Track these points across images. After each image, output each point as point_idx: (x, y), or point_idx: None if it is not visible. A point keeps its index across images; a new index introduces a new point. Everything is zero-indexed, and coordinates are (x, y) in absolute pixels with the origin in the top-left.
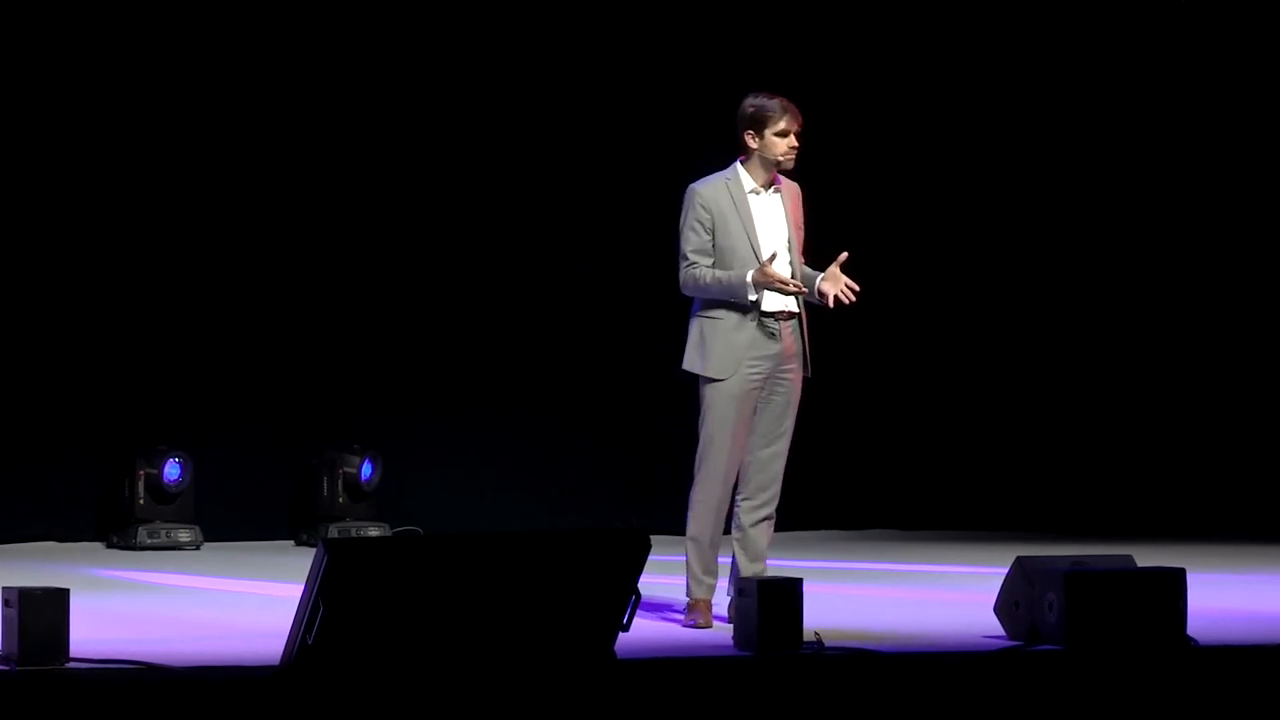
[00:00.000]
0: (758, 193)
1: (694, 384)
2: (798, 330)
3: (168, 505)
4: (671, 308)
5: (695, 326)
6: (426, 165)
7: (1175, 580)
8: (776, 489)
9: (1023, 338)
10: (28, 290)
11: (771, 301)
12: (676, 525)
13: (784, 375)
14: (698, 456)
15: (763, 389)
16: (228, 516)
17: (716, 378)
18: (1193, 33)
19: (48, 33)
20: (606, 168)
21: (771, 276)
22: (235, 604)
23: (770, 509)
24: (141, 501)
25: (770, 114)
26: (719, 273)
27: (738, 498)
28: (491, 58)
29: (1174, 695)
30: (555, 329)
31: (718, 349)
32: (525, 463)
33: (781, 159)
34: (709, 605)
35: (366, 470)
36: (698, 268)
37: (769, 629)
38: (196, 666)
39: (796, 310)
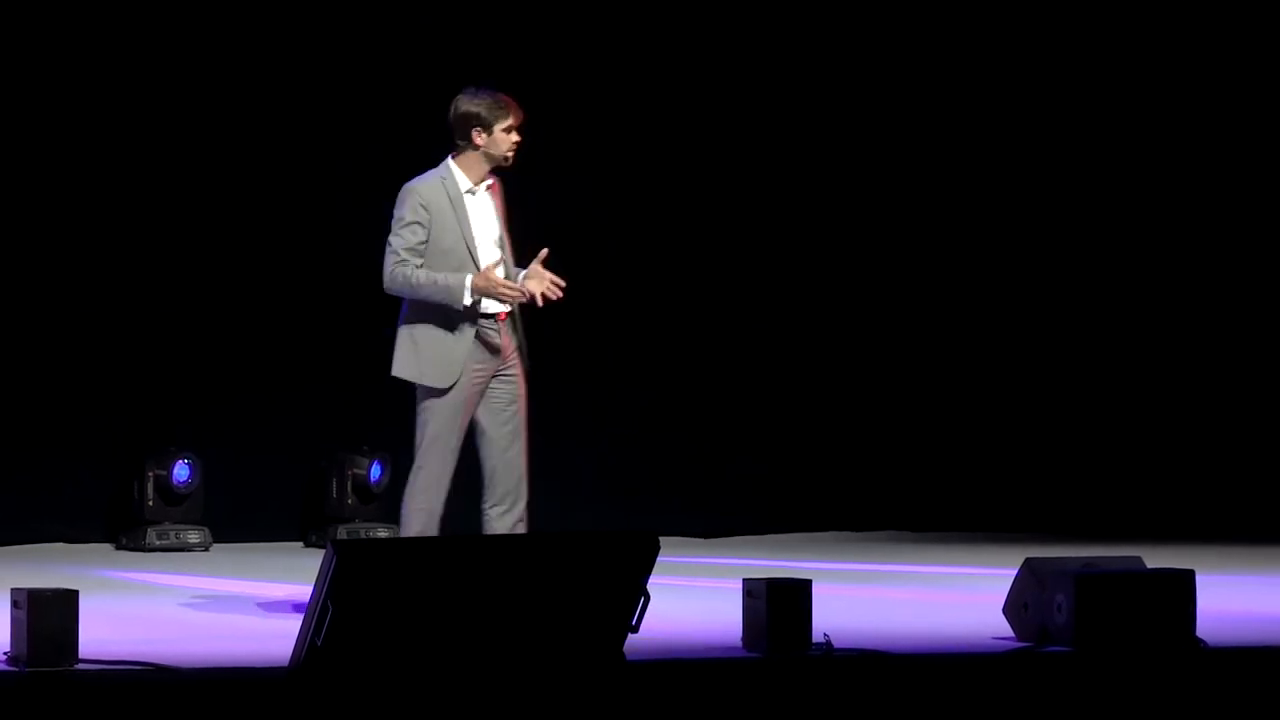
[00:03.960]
0: (473, 192)
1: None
2: (513, 326)
3: (177, 507)
4: (682, 313)
5: (405, 334)
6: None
7: (1184, 582)
8: (525, 488)
9: (1033, 339)
10: (37, 292)
11: (489, 304)
12: (685, 526)
13: (505, 373)
14: (418, 464)
15: (484, 391)
16: (237, 518)
17: (438, 387)
18: (1138, 18)
19: (51, 36)
20: (601, 167)
21: (494, 283)
22: (244, 605)
23: (522, 509)
24: (151, 503)
25: (501, 110)
26: (434, 274)
27: (486, 505)
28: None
29: (1183, 697)
30: (558, 329)
31: (437, 358)
32: (534, 463)
33: (508, 154)
34: None
35: (375, 471)
36: (408, 266)
37: (778, 630)
38: (205, 668)
39: (510, 308)
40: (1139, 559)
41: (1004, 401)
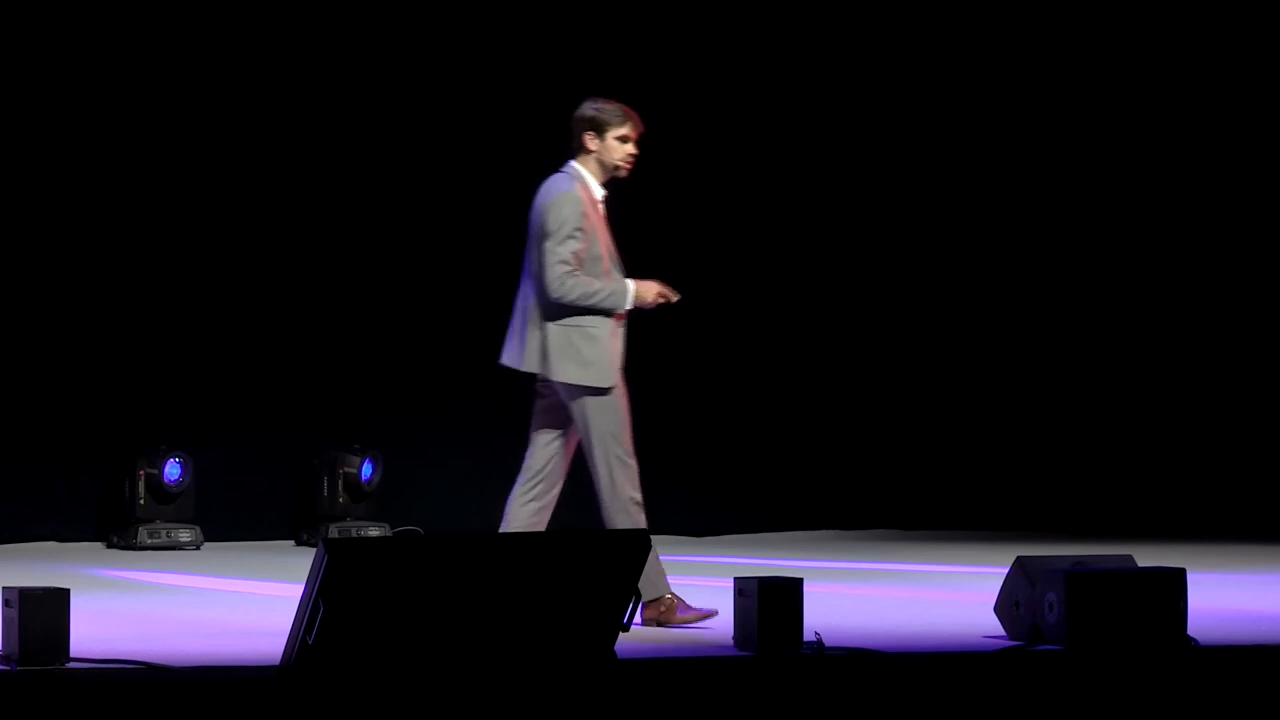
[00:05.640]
0: (603, 199)
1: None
2: None
3: (168, 505)
4: (677, 313)
5: (562, 335)
6: (423, 168)
7: (1176, 580)
8: None
9: (1024, 338)
10: (30, 291)
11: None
12: (678, 525)
13: None
14: (610, 464)
15: None
16: (228, 516)
17: (607, 387)
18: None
19: (50, 36)
20: None
21: (654, 291)
22: (235, 604)
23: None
24: (142, 501)
25: (612, 117)
26: (600, 283)
27: (522, 489)
28: (492, 57)
29: (1174, 695)
30: None
31: (600, 358)
32: None
33: (620, 164)
34: None
35: (367, 470)
36: (578, 275)
37: (769, 629)
38: (197, 666)
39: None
40: (1130, 557)
41: (995, 400)
